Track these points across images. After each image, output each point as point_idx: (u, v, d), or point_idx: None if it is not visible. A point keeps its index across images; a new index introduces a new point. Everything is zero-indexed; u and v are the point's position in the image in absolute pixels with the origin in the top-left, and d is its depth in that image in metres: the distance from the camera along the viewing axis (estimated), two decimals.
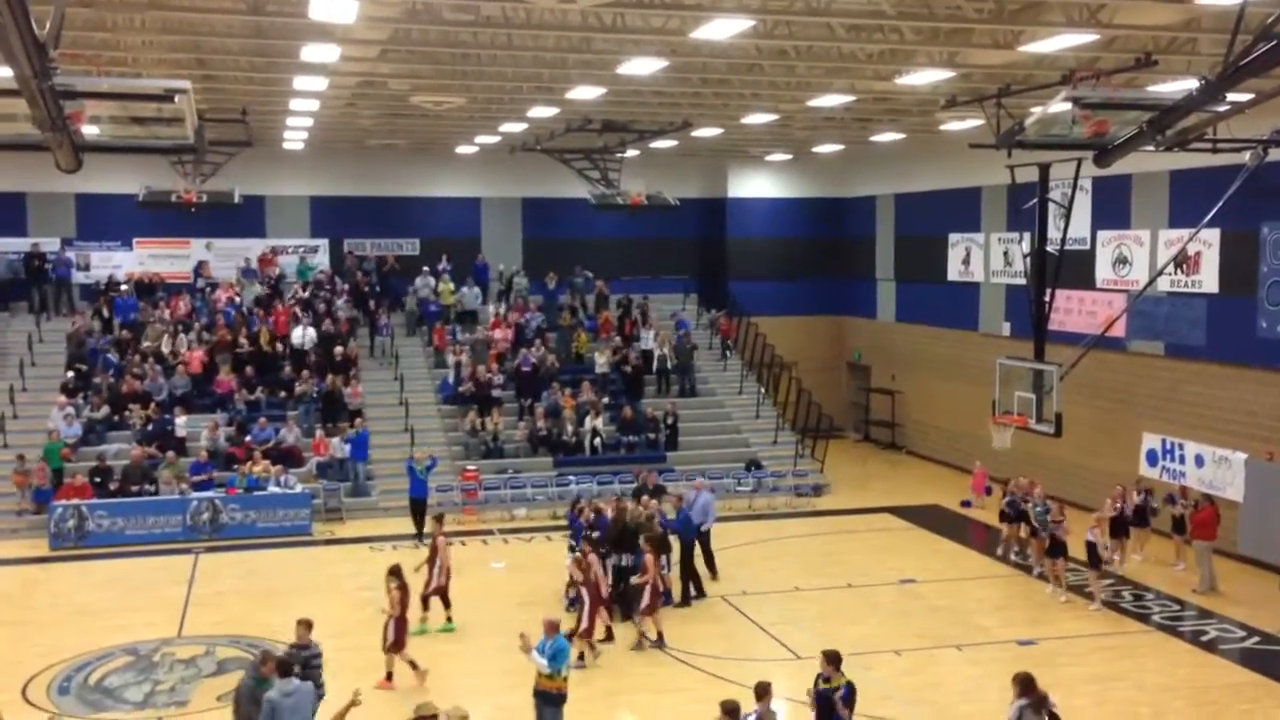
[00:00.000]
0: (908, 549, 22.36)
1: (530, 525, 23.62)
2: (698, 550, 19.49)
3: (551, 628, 12.68)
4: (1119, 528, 20.30)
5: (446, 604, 17.25)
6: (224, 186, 23.51)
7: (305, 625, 12.68)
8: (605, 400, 28.06)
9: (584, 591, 15.88)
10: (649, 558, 16.75)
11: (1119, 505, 20.31)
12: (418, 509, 22.59)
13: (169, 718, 14.06)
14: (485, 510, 24.70)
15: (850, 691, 11.27)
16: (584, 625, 15.76)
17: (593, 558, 16.64)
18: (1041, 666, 15.31)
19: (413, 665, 15.07)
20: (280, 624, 17.22)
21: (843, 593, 19.48)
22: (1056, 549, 18.93)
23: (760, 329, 32.43)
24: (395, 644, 14.98)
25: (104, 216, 29.89)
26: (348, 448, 24.86)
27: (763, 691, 10.90)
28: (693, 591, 18.88)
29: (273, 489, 23.58)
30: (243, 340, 27.70)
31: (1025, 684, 10.83)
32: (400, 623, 15.01)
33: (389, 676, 15.00)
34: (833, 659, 11.43)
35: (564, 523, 23.54)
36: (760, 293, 33.77)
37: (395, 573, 15.15)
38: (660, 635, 16.74)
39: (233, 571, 20.65)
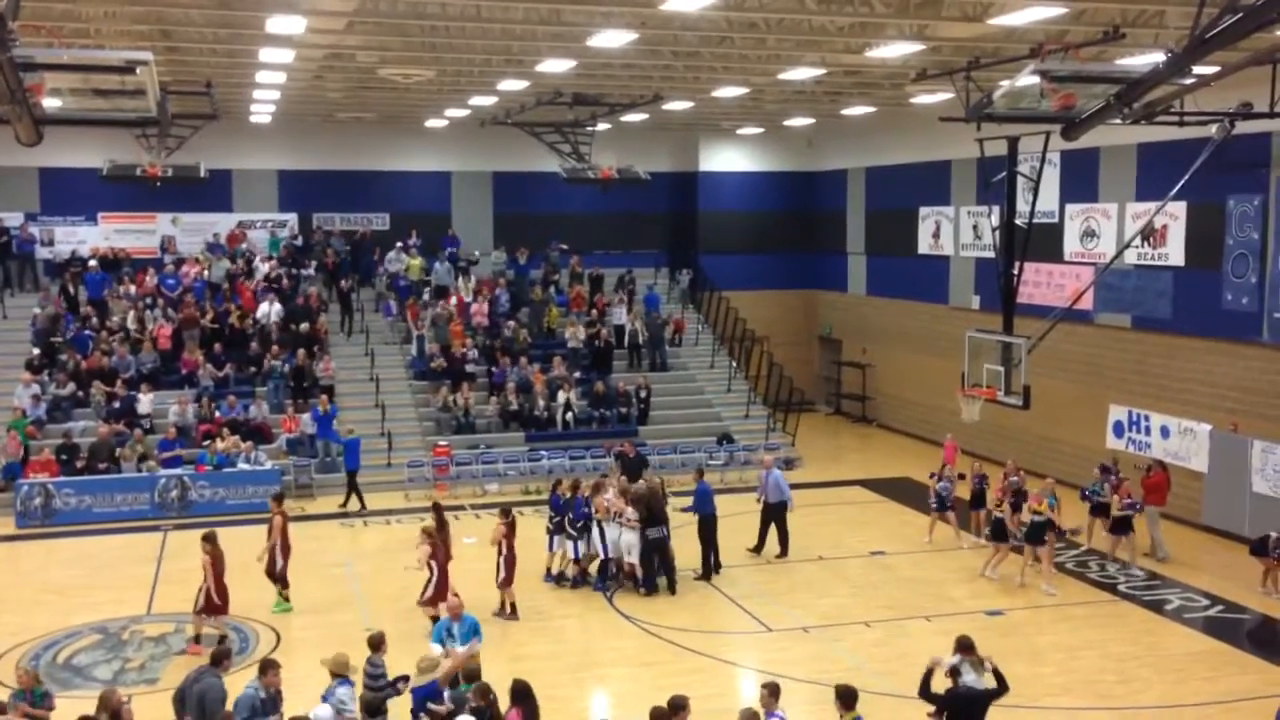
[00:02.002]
0: (878, 521, 22.53)
1: (502, 500, 23.56)
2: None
3: (456, 609, 12.71)
4: (1122, 525, 19.04)
5: (284, 584, 17.14)
6: (190, 160, 23.21)
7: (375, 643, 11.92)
8: (577, 375, 28.04)
9: (433, 564, 15.91)
10: (501, 527, 16.77)
11: (1125, 502, 19.08)
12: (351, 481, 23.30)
13: (139, 696, 13.97)
14: (457, 486, 24.68)
15: None
16: (429, 594, 15.77)
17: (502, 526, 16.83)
18: (1009, 636, 15.54)
19: (196, 638, 15.43)
20: (250, 601, 17.19)
21: (813, 565, 19.60)
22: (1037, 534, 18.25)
23: (732, 303, 32.46)
24: (207, 608, 15.32)
25: (68, 191, 29.46)
26: (316, 424, 24.74)
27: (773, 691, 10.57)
28: (705, 569, 18.86)
29: (242, 466, 23.45)
30: (205, 316, 27.49)
31: (965, 647, 10.99)
32: (217, 588, 15.33)
33: (197, 640, 15.40)
34: (842, 697, 10.25)
35: (535, 498, 23.72)
36: (731, 266, 33.75)
37: (209, 539, 15.52)
38: (513, 607, 16.78)
39: (202, 549, 20.49)
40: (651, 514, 17.81)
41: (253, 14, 15.45)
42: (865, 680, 14.21)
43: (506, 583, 16.77)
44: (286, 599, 17.11)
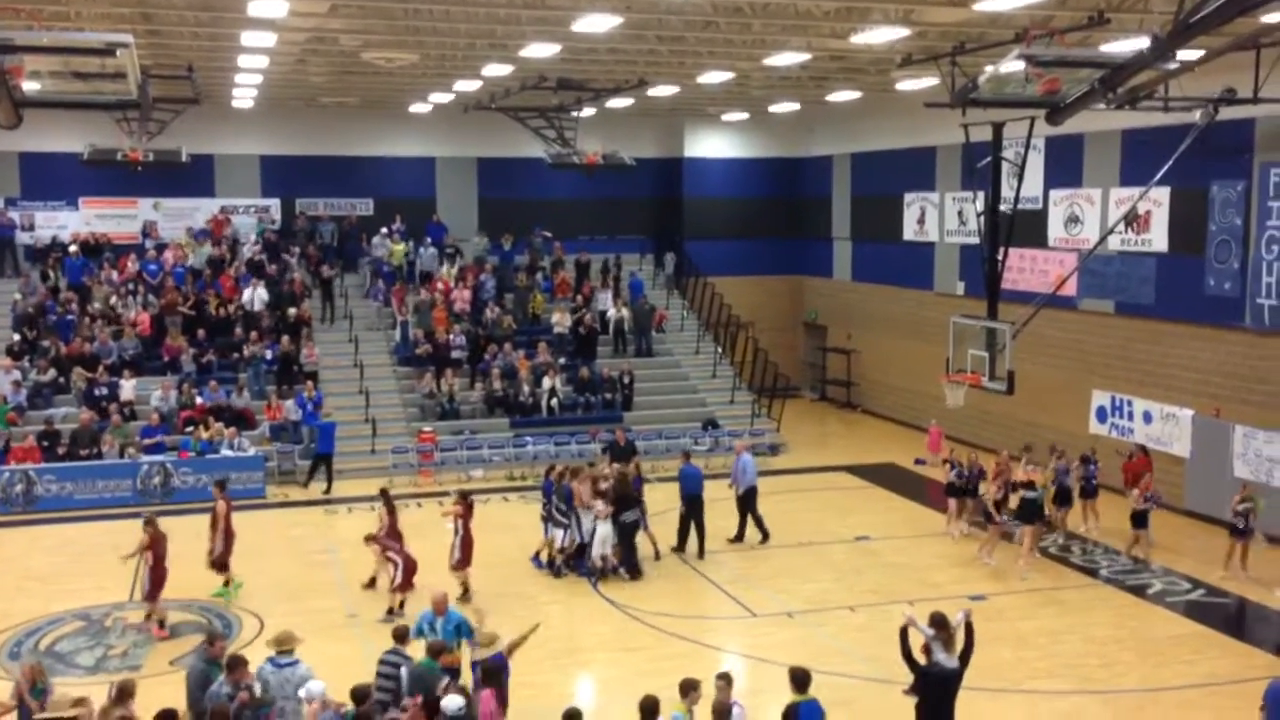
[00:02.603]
0: (863, 507, 22.57)
1: (487, 487, 23.57)
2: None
3: (441, 604, 12.64)
4: (1140, 520, 18.95)
5: (224, 569, 17.09)
6: (171, 145, 23.03)
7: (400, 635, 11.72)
8: (562, 361, 28.00)
9: (392, 553, 16.01)
10: (457, 506, 16.83)
11: (1144, 496, 18.89)
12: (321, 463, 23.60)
13: None
14: (442, 472, 24.64)
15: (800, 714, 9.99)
16: (399, 580, 15.98)
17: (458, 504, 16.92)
18: (993, 620, 15.59)
19: (160, 623, 15.62)
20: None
21: (798, 550, 19.63)
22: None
23: (717, 289, 32.44)
24: (151, 593, 15.49)
25: (49, 175, 29.23)
26: (300, 411, 24.66)
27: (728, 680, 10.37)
28: (682, 542, 19.14)
29: (225, 452, 23.35)
30: (187, 301, 27.36)
31: (939, 623, 10.95)
32: (156, 571, 15.48)
33: (161, 625, 15.61)
34: (795, 679, 10.17)
35: (520, 484, 23.74)
36: (717, 252, 33.72)
37: (150, 522, 15.71)
38: (465, 587, 16.80)
39: (185, 535, 20.25)
40: (622, 499, 17.83)
41: None
42: (848, 665, 14.30)
43: (461, 565, 16.80)
44: (228, 582, 17.05)
